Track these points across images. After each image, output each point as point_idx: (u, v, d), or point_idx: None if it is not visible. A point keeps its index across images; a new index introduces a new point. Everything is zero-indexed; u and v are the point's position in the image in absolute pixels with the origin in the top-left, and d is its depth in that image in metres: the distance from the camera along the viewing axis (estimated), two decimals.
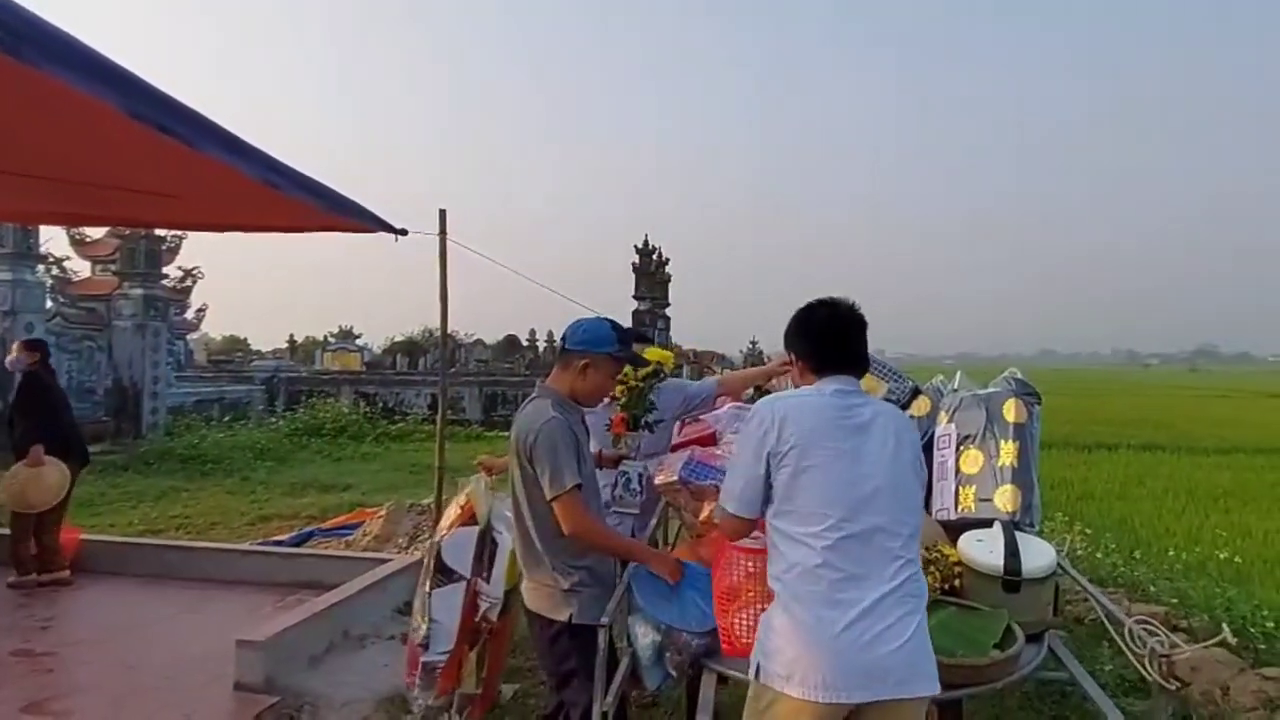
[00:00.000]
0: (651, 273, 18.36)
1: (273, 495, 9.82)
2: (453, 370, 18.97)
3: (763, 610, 2.03)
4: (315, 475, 11.45)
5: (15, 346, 5.80)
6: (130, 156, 3.19)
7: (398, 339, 29.20)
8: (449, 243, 5.00)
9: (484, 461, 3.30)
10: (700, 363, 26.30)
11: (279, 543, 6.58)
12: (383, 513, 6.91)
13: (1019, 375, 3.46)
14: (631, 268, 18.30)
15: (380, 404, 18.81)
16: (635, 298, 18.19)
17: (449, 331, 5.37)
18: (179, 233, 15.46)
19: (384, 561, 5.17)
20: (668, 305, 18.62)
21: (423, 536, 6.35)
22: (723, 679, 2.29)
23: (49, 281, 15.00)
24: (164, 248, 15.25)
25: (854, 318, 2.14)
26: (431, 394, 18.75)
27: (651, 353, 3.58)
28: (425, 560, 3.20)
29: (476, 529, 2.86)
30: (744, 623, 2.18)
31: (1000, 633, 2.21)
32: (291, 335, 29.88)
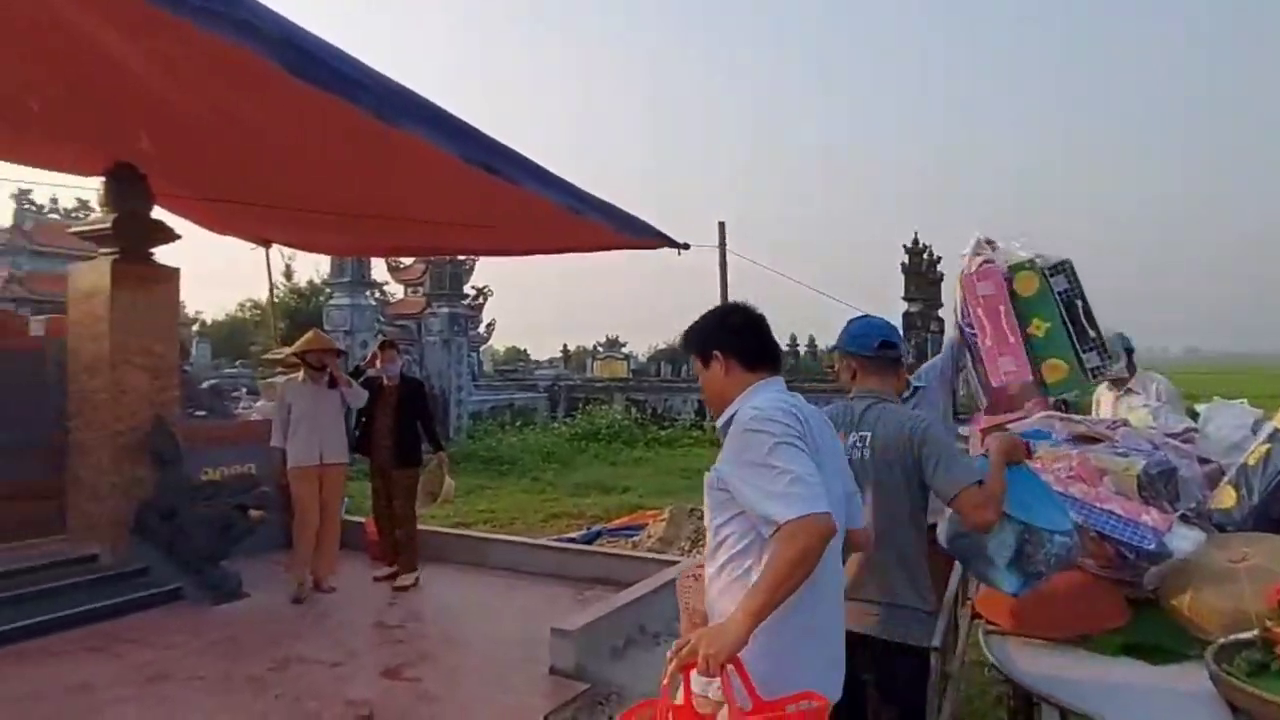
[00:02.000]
0: (922, 272, 17.39)
1: (560, 495, 10.64)
2: None
3: None
4: (595, 477, 12.25)
5: (380, 355, 5.60)
6: (463, 195, 3.63)
7: (660, 347, 30.43)
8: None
9: None
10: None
11: (572, 539, 7.13)
12: (665, 516, 7.19)
13: None
14: (900, 268, 17.47)
15: (649, 410, 19.71)
16: (905, 299, 17.32)
17: None
18: (474, 256, 17.41)
19: (671, 563, 5.36)
20: (940, 306, 17.50)
21: (703, 540, 6.51)
22: (1064, 715, 2.07)
23: (374, 304, 17.59)
24: (464, 269, 17.17)
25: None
26: (698, 400, 19.26)
27: None
28: None
29: None
30: None
31: None
32: (565, 345, 32.34)
